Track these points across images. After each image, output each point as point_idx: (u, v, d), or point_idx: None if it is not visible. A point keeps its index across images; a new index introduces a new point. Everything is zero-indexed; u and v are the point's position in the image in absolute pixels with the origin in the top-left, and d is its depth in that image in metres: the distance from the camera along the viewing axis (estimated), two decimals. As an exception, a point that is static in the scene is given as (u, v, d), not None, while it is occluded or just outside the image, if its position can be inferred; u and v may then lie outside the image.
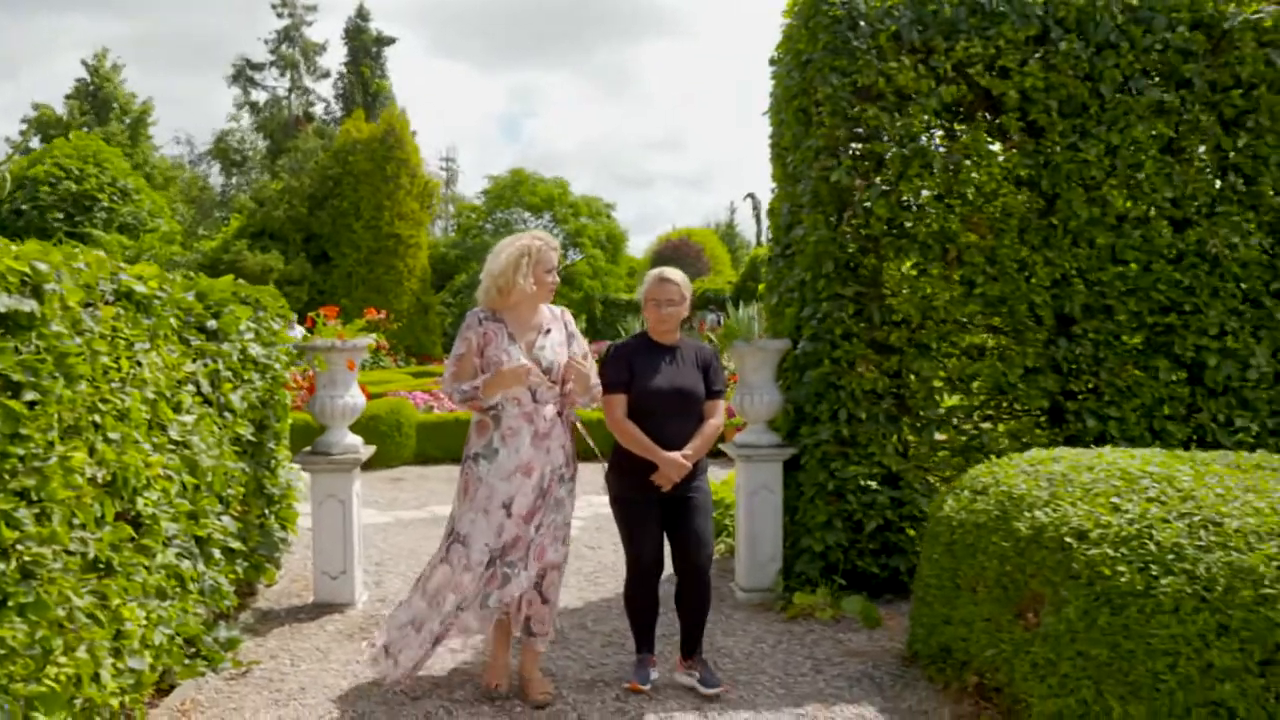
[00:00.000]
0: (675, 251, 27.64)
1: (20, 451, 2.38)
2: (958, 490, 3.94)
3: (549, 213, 26.79)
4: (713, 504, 3.94)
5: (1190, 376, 5.10)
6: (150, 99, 31.48)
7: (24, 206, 18.98)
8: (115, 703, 2.93)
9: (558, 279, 3.82)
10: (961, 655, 3.69)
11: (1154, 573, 2.73)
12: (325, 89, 38.68)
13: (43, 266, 2.46)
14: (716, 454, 5.25)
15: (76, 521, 2.71)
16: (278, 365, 4.86)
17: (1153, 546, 2.78)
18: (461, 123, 77.21)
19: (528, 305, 3.71)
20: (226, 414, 4.16)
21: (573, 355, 3.77)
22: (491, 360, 3.60)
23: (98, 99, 31.19)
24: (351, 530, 4.83)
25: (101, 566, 2.86)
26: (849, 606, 4.64)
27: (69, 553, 2.63)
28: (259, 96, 36.23)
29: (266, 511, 4.86)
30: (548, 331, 3.75)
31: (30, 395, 2.40)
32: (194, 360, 3.78)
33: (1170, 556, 2.74)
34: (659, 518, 3.76)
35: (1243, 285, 5.10)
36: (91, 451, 2.81)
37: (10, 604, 2.35)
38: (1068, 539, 3.06)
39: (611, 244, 26.86)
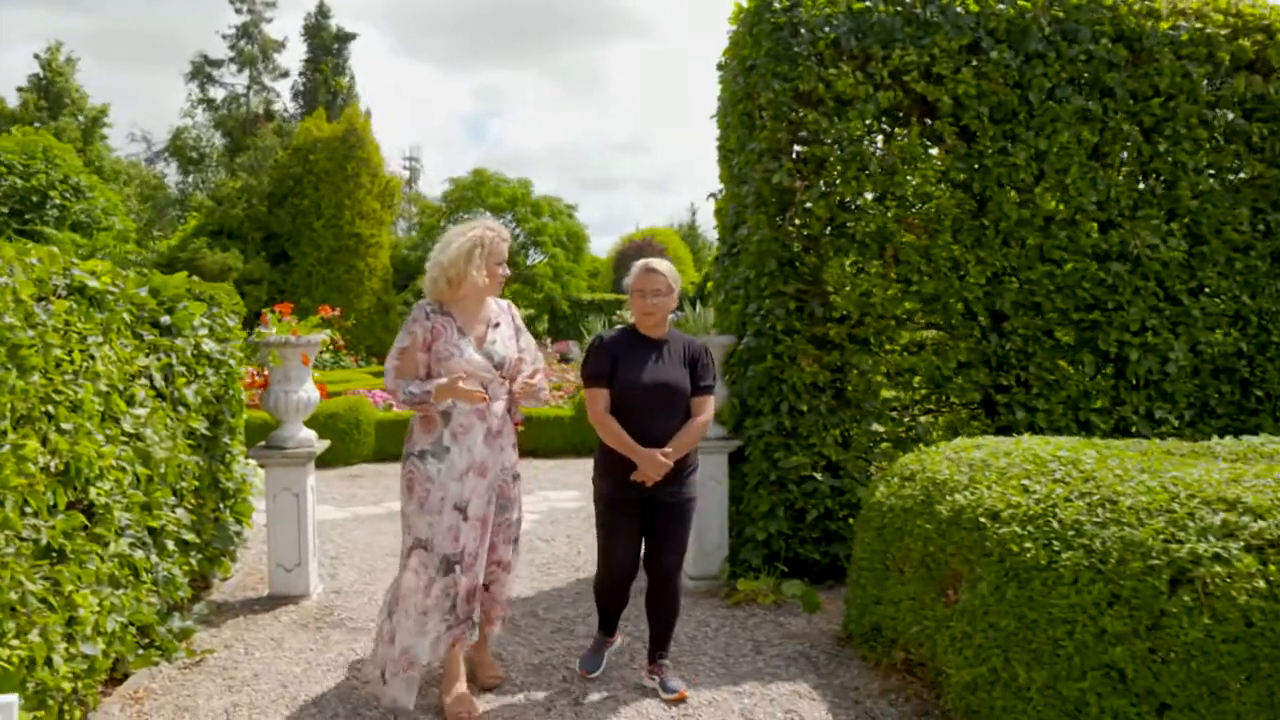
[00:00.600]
0: (639, 252, 27.84)
1: (-25, 439, 2.47)
2: (888, 477, 4.14)
3: (511, 213, 26.84)
4: (694, 506, 3.79)
5: (1114, 371, 5.36)
6: (108, 103, 31.01)
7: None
8: (68, 687, 3.02)
9: (508, 271, 3.71)
10: (890, 633, 3.88)
11: (1056, 548, 2.94)
12: (284, 87, 38.44)
13: (-4, 261, 2.55)
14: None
15: (29, 509, 2.80)
16: (232, 361, 4.94)
17: (1055, 524, 2.99)
18: (426, 122, 76.90)
19: (475, 298, 3.60)
20: (180, 408, 4.24)
21: (522, 350, 3.70)
22: (441, 355, 3.47)
23: (51, 93, 30.66)
24: (306, 523, 4.93)
25: (54, 553, 2.95)
26: (789, 591, 4.82)
27: (21, 539, 2.72)
28: (217, 94, 35.88)
29: (221, 505, 4.94)
30: (496, 325, 3.65)
31: (-16, 385, 2.49)
32: (147, 355, 3.86)
33: (1071, 533, 2.94)
34: (639, 521, 3.67)
35: (1164, 284, 5.37)
36: (44, 441, 2.90)
37: (-35, 586, 2.44)
38: (982, 519, 3.26)
39: (573, 243, 26.99)
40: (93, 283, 3.25)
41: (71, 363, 3.11)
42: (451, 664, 3.54)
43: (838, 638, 4.38)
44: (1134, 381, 5.37)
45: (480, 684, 3.74)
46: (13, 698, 1.97)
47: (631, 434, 3.53)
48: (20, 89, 29.98)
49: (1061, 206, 5.27)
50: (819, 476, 5.05)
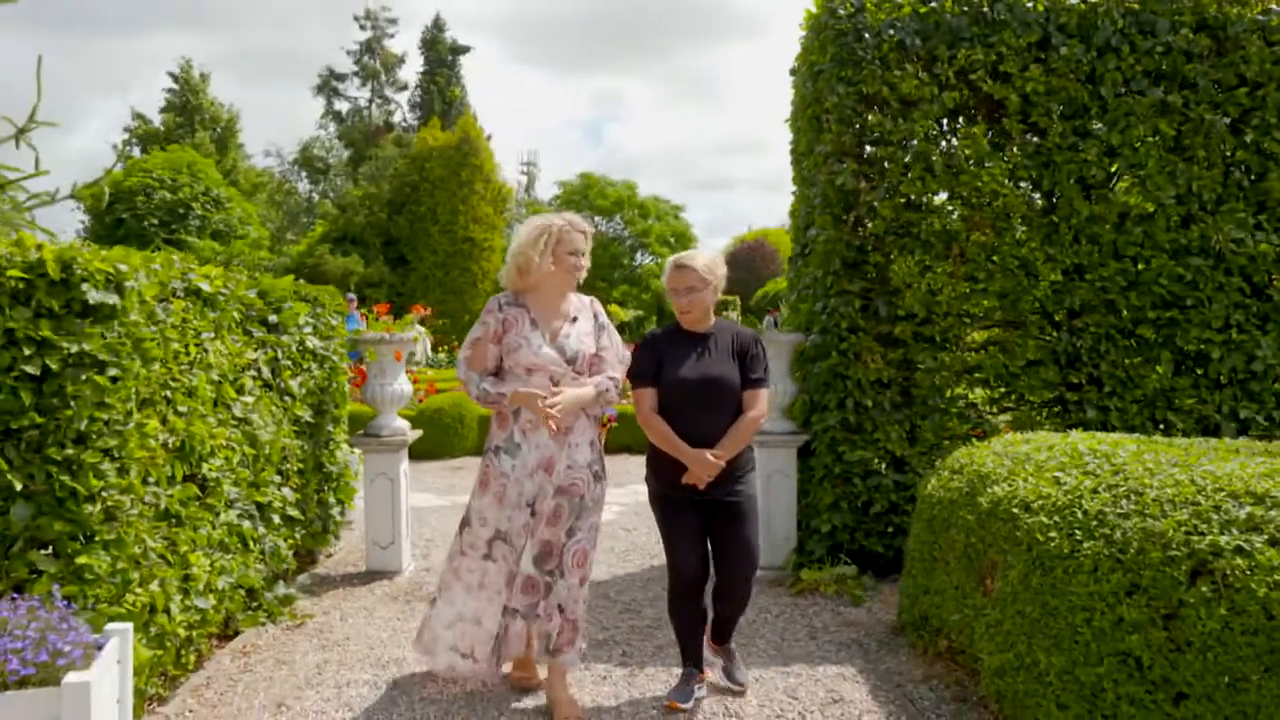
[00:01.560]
0: (750, 252, 27.91)
1: (104, 417, 2.92)
2: (940, 471, 4.24)
3: (618, 215, 27.37)
4: (757, 504, 3.65)
5: (1194, 369, 5.25)
6: (235, 108, 33.14)
7: (124, 215, 20.39)
8: (183, 633, 3.48)
9: (584, 263, 3.59)
10: (936, 622, 3.99)
11: (1078, 537, 3.02)
12: (403, 99, 40.24)
13: (123, 267, 3.00)
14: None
15: (150, 479, 3.26)
16: (335, 357, 5.43)
17: (1080, 514, 3.07)
18: (543, 128, 78.73)
19: (552, 290, 3.54)
20: (286, 397, 4.73)
21: (603, 348, 3.61)
22: (510, 347, 3.45)
23: (187, 109, 32.99)
24: (400, 505, 5.36)
25: (171, 518, 3.41)
26: (847, 578, 4.95)
27: (144, 503, 3.18)
28: (342, 106, 37.89)
29: (325, 487, 5.43)
30: (574, 319, 3.57)
31: (113, 372, 2.94)
32: (255, 349, 4.34)
33: (1094, 523, 3.02)
34: (699, 522, 3.51)
35: (1251, 279, 5.23)
36: (164, 421, 3.36)
37: (96, 540, 2.90)
38: (1015, 510, 3.36)
39: (679, 243, 27.27)
40: (206, 286, 3.72)
41: (187, 355, 3.57)
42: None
43: (892, 627, 4.50)
44: (1216, 380, 5.25)
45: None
46: (128, 626, 2.37)
47: (679, 433, 3.41)
48: (162, 110, 32.42)
49: (1137, 201, 5.21)
50: (883, 471, 5.16)
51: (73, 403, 2.84)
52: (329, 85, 37.96)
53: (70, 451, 2.84)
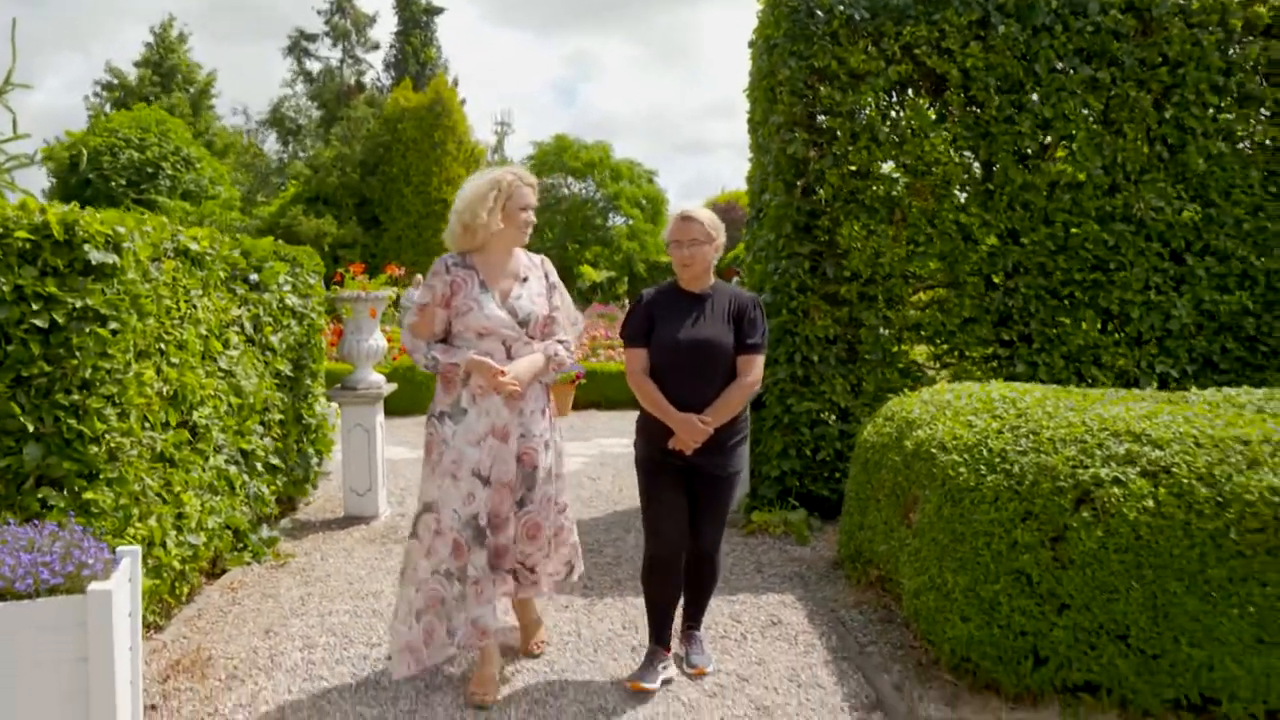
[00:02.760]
0: (722, 215, 28.15)
1: (106, 366, 3.21)
2: (875, 418, 4.63)
3: (590, 177, 27.49)
4: (739, 480, 3.55)
5: (1116, 327, 5.67)
6: (214, 71, 32.77)
7: (91, 175, 20.24)
8: (178, 566, 3.80)
9: (533, 219, 3.43)
10: (868, 554, 4.39)
11: (983, 472, 3.40)
12: (376, 59, 39.83)
13: (121, 229, 3.27)
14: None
15: (147, 424, 3.56)
16: (313, 314, 5.71)
17: (985, 452, 3.45)
18: (517, 89, 77.83)
19: (501, 249, 3.37)
20: (267, 352, 5.01)
21: (555, 308, 3.48)
22: (460, 310, 3.27)
23: (163, 68, 32.53)
24: (375, 454, 5.69)
25: (166, 460, 3.72)
26: (794, 521, 5.36)
27: (142, 445, 3.48)
28: (313, 67, 37.47)
29: (304, 438, 5.74)
30: (525, 279, 3.40)
31: (113, 325, 3.22)
32: (239, 306, 4.62)
33: (997, 459, 3.40)
34: (682, 488, 3.39)
35: (1169, 244, 5.63)
36: (158, 371, 3.65)
37: (101, 477, 3.20)
38: (933, 450, 3.74)
39: (651, 205, 27.49)
40: (194, 246, 3.99)
41: (178, 310, 3.85)
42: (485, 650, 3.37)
43: (832, 562, 4.92)
44: (1137, 337, 5.67)
45: (524, 649, 3.66)
46: (137, 548, 2.69)
47: (669, 397, 3.27)
48: (136, 64, 31.95)
49: (1067, 171, 5.58)
50: (829, 421, 5.55)
51: (78, 353, 3.12)
52: (299, 46, 37.49)
53: (76, 397, 3.13)
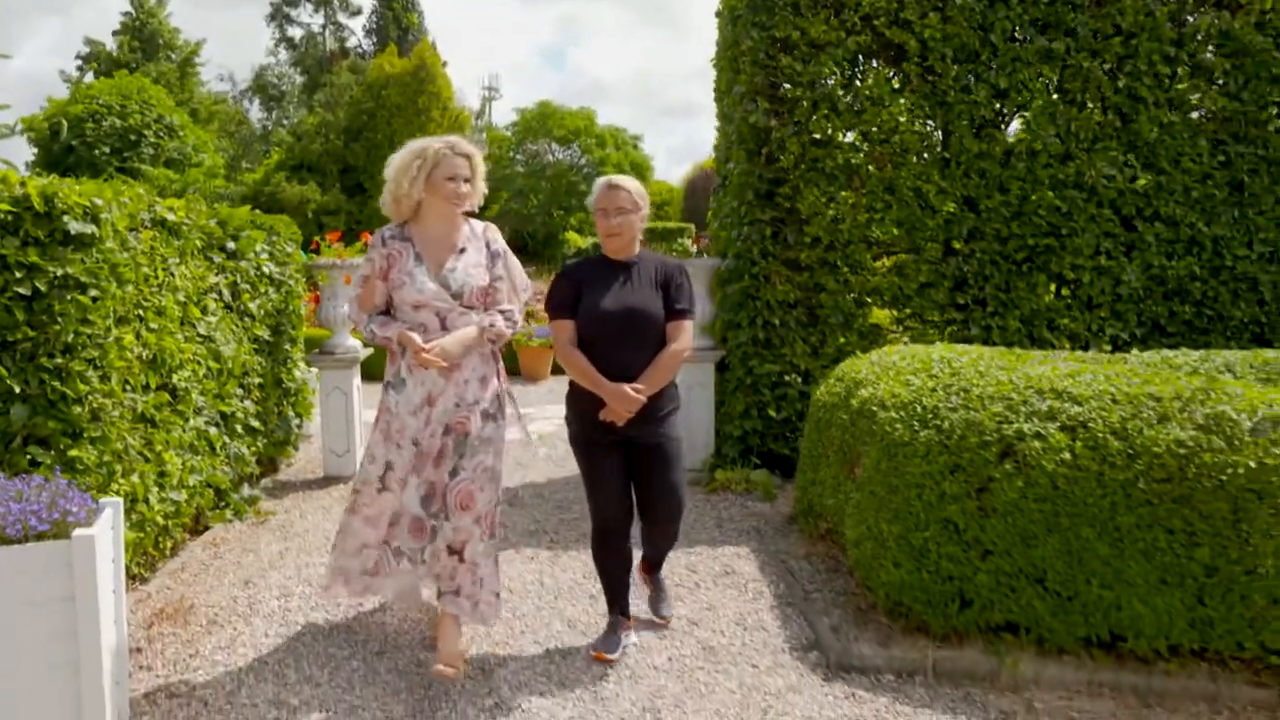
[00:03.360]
0: (708, 180, 28.23)
1: (87, 332, 3.39)
2: (828, 379, 4.84)
3: (576, 144, 27.47)
4: (682, 447, 3.53)
5: (1069, 292, 5.88)
6: (202, 40, 32.46)
7: (73, 143, 20.14)
8: (161, 520, 4.01)
9: (465, 189, 3.32)
10: (819, 508, 4.63)
11: (916, 428, 3.62)
12: (357, 25, 39.37)
13: (99, 200, 3.44)
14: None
15: (129, 386, 3.75)
16: (291, 281, 5.88)
17: (919, 409, 3.67)
18: (505, 53, 77.11)
19: (437, 220, 3.34)
20: (246, 318, 5.19)
21: (497, 278, 3.42)
22: (395, 284, 3.28)
23: (144, 34, 32.21)
24: (353, 416, 5.89)
25: (147, 421, 3.91)
26: (756, 480, 5.59)
27: (124, 406, 3.68)
28: (295, 33, 37.12)
29: (284, 402, 5.93)
30: (462, 250, 3.35)
31: (93, 293, 3.40)
32: (216, 274, 4.79)
33: (929, 415, 3.62)
34: (622, 465, 3.37)
35: (1120, 211, 5.83)
36: (138, 336, 3.83)
37: (84, 436, 3.39)
38: (874, 408, 3.96)
39: (635, 173, 27.49)
40: (170, 216, 4.16)
41: (156, 278, 4.03)
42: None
43: (788, 517, 5.16)
44: (1088, 302, 5.88)
45: (432, 672, 3.22)
46: (118, 499, 2.90)
47: (599, 367, 3.23)
48: (115, 32, 31.61)
49: (1020, 140, 5.75)
50: (790, 382, 5.76)
51: (60, 319, 3.30)
52: (281, 12, 37.08)
53: (59, 361, 3.31)
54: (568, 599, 4.00)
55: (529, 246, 24.99)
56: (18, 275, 3.22)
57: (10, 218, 3.24)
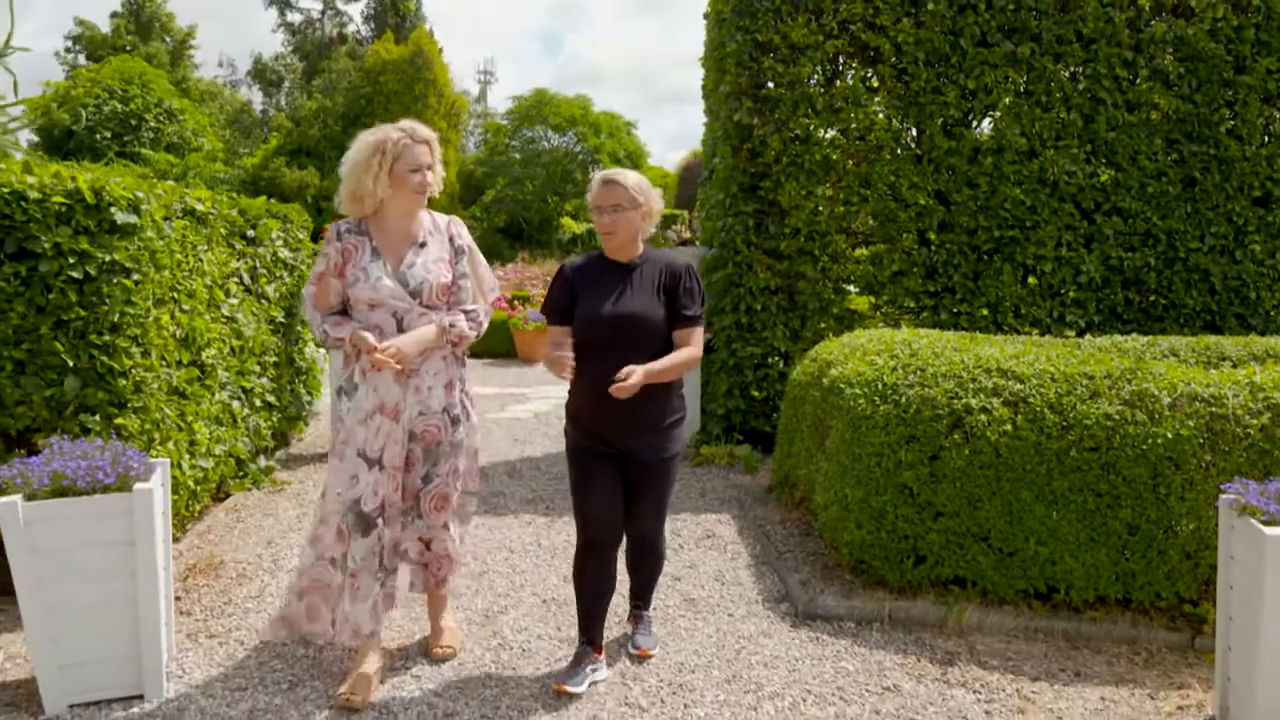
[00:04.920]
0: (701, 167, 28.56)
1: (131, 312, 3.76)
2: (803, 359, 5.24)
3: (572, 131, 27.75)
4: (679, 465, 3.32)
5: (1031, 281, 6.28)
6: (195, 24, 32.61)
7: (73, 128, 20.36)
8: (191, 485, 4.40)
9: (430, 178, 3.09)
10: (794, 478, 5.04)
11: (877, 403, 4.02)
12: (355, 11, 39.47)
13: (140, 193, 3.80)
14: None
15: (164, 362, 4.13)
16: (303, 267, 6.24)
17: (880, 385, 4.07)
18: (501, 38, 77.08)
19: (397, 213, 3.10)
20: (263, 301, 5.56)
21: (461, 275, 3.18)
22: (349, 280, 3.02)
23: (140, 18, 32.31)
24: (361, 394, 6.26)
25: (179, 394, 4.29)
26: (739, 454, 6.00)
27: (161, 380, 4.06)
28: (294, 18, 37.26)
29: (296, 380, 6.31)
30: (423, 245, 3.12)
31: (136, 277, 3.77)
32: (237, 259, 5.16)
33: (889, 391, 4.02)
34: (615, 475, 3.13)
35: (1080, 205, 6.23)
36: (172, 316, 4.21)
37: (129, 406, 3.77)
38: (841, 385, 4.35)
39: (630, 160, 27.81)
40: (199, 206, 4.52)
41: (187, 263, 4.40)
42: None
43: (767, 488, 5.57)
44: (1049, 290, 6.29)
45: (430, 654, 3.35)
46: (166, 460, 3.28)
47: (590, 378, 2.97)
48: (114, 14, 31.72)
49: (988, 138, 6.14)
50: (770, 364, 6.16)
51: (107, 300, 3.67)
52: (281, -1, 37.26)
53: (107, 338, 3.69)
54: (563, 557, 4.40)
55: (525, 233, 25.34)
56: (70, 261, 3.59)
57: (64, 209, 3.60)
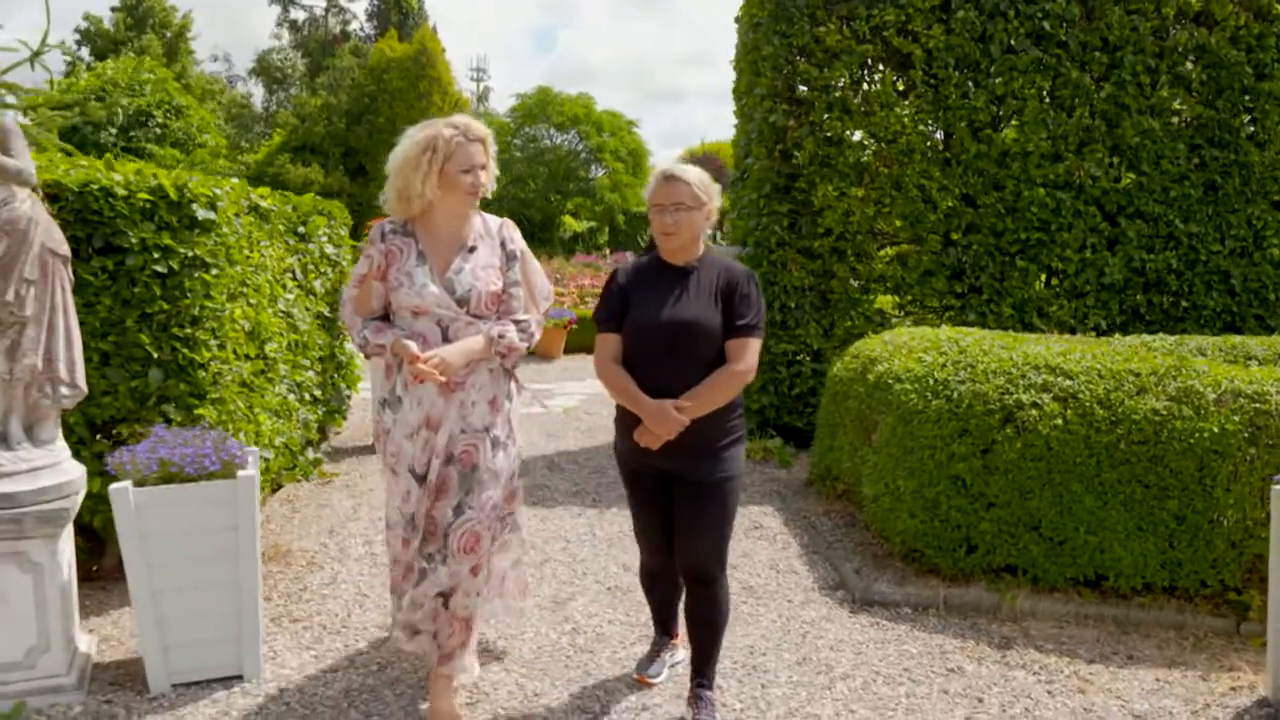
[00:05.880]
0: (702, 166, 28.66)
1: (210, 305, 3.87)
2: (843, 356, 5.38)
3: (575, 129, 27.86)
4: (739, 492, 2.96)
5: (1056, 282, 6.44)
6: (189, 13, 32.55)
7: (76, 123, 20.26)
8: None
9: (483, 178, 2.88)
10: (836, 471, 5.18)
11: (929, 398, 4.16)
12: (360, 9, 39.45)
13: (218, 190, 3.91)
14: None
15: (236, 355, 4.24)
16: (343, 262, 6.35)
17: (931, 382, 4.21)
18: (494, 35, 77.06)
19: (447, 214, 2.89)
20: (311, 296, 5.66)
21: (512, 283, 2.95)
22: (392, 285, 2.83)
23: (138, 11, 32.21)
24: (401, 389, 6.37)
25: (247, 386, 4.40)
26: (772, 448, 6.14)
27: (233, 372, 4.16)
28: (297, 15, 37.27)
29: (337, 374, 6.41)
30: (472, 249, 2.90)
31: (214, 271, 3.88)
32: (292, 255, 5.26)
33: (940, 387, 4.17)
34: (663, 503, 2.92)
35: (1104, 209, 6.39)
36: (241, 310, 4.31)
37: (207, 398, 3.88)
38: (890, 381, 4.50)
39: (633, 158, 27.98)
40: (262, 204, 4.63)
41: (253, 258, 4.50)
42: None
43: (805, 482, 5.71)
44: (1074, 291, 6.45)
45: None
46: (256, 449, 3.39)
47: (646, 390, 2.74)
48: (114, 9, 31.63)
49: (1015, 142, 6.30)
50: (803, 361, 6.30)
51: (189, 294, 3.78)
52: (284, -7, 37.21)
53: (188, 331, 3.79)
54: (619, 547, 4.53)
55: (528, 231, 25.48)
56: (155, 255, 3.70)
57: (148, 205, 3.70)
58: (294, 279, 5.28)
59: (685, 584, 2.96)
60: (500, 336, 2.86)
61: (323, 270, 5.91)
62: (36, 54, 6.72)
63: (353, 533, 4.64)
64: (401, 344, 2.75)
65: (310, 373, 5.61)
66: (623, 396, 2.80)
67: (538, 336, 3.06)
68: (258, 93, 36.92)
